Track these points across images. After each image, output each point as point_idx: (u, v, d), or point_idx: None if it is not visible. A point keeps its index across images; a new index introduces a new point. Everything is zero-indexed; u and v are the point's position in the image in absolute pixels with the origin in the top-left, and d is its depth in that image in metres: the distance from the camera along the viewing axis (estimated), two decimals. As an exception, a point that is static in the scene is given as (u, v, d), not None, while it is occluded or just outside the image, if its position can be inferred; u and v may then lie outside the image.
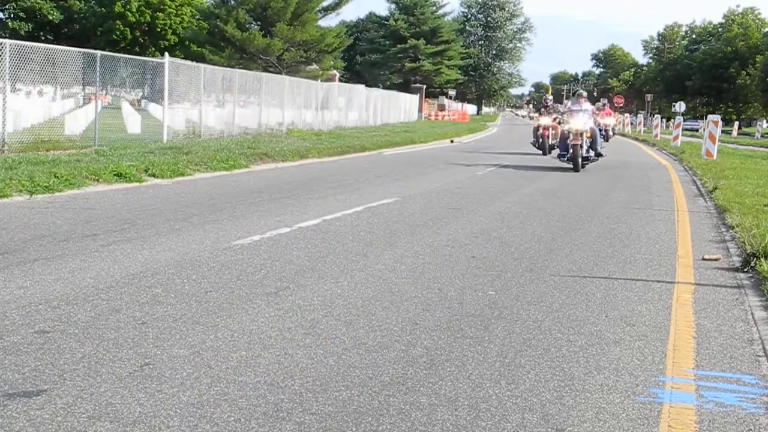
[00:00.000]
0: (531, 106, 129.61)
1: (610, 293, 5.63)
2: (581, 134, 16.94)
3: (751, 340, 4.61)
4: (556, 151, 19.29)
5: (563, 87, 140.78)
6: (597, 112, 18.21)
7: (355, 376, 3.64)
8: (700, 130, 52.07)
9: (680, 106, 51.38)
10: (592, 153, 17.68)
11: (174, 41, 68.29)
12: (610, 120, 36.99)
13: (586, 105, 17.70)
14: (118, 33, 69.01)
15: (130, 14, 69.21)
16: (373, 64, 76.89)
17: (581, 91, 18.33)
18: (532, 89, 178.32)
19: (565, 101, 26.15)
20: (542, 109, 24.08)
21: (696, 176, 16.95)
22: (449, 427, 3.14)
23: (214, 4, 48.56)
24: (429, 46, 74.50)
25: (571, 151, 17.03)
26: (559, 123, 20.49)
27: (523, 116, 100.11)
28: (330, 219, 8.58)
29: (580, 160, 16.93)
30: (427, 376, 3.69)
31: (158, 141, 18.03)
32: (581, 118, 17.06)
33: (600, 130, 39.49)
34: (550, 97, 27.04)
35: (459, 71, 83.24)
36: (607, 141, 36.15)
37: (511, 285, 5.74)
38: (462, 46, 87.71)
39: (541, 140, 22.95)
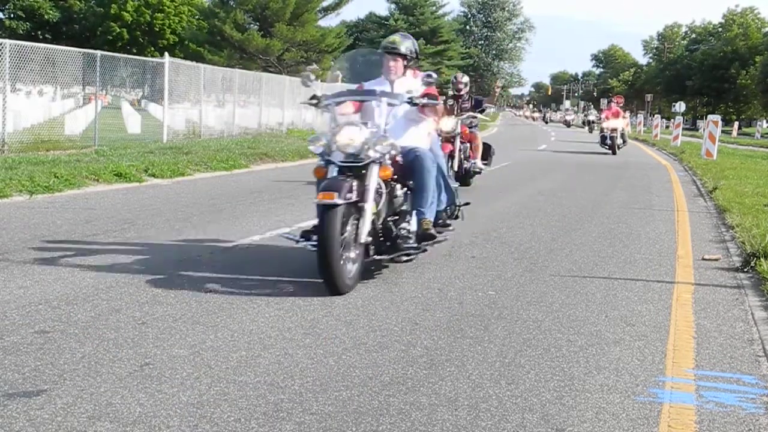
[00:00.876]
0: (531, 105, 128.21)
1: (610, 293, 5.63)
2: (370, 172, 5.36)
3: (751, 340, 4.61)
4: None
5: (563, 87, 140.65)
6: (431, 99, 5.85)
7: (355, 376, 3.64)
8: (700, 130, 51.98)
9: (680, 106, 51.37)
10: (405, 227, 5.66)
11: (173, 41, 68.27)
12: (618, 122, 25.86)
13: (406, 81, 6.08)
14: (116, 33, 69.01)
15: (127, 14, 69.18)
16: (373, 64, 76.81)
17: (396, 40, 6.04)
18: (532, 89, 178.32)
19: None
20: (450, 101, 12.31)
21: (696, 176, 16.93)
22: (449, 427, 3.14)
23: (213, 4, 48.54)
24: (429, 46, 74.43)
25: (317, 223, 5.31)
26: (471, 127, 12.82)
27: (527, 116, 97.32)
28: (330, 219, 8.56)
29: (336, 262, 5.03)
30: (427, 376, 3.69)
31: (158, 141, 18.02)
32: (356, 125, 5.47)
33: (604, 138, 24.75)
34: (465, 80, 13.13)
35: (459, 71, 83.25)
36: (614, 154, 24.75)
37: (511, 285, 5.74)
38: (462, 46, 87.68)
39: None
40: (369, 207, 5.31)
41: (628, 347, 4.34)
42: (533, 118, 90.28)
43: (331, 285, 5.12)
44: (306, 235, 5.52)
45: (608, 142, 25.72)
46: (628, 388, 3.68)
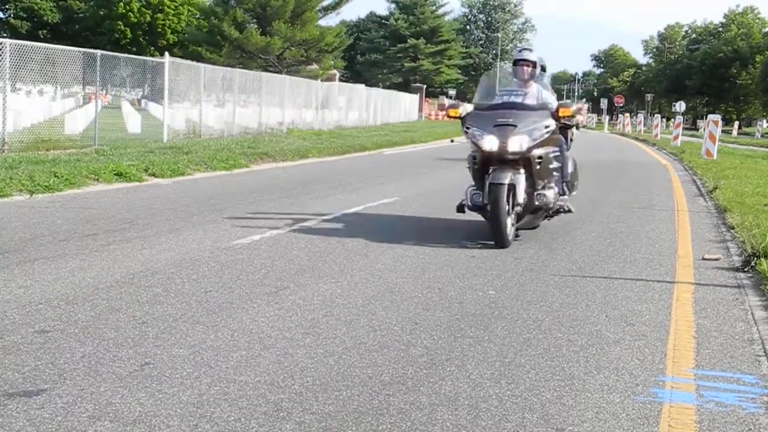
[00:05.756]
0: None
1: (610, 293, 5.63)
2: None
3: (751, 340, 4.61)
4: None
5: (563, 87, 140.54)
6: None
7: (355, 376, 3.64)
8: (700, 130, 51.81)
9: (680, 106, 51.33)
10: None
11: (173, 41, 68.30)
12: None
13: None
14: (120, 32, 69.05)
15: (132, 15, 69.23)
16: (373, 64, 76.88)
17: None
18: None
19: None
20: None
21: (696, 176, 16.93)
22: (449, 426, 3.14)
23: (214, 3, 48.52)
24: (429, 45, 74.54)
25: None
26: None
27: None
28: (330, 219, 8.58)
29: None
30: (427, 376, 3.69)
31: (158, 140, 18.01)
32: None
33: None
34: None
35: (459, 71, 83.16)
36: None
37: (511, 285, 5.74)
38: (462, 46, 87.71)
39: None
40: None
41: (628, 347, 4.33)
42: None
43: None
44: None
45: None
46: (628, 388, 3.68)
